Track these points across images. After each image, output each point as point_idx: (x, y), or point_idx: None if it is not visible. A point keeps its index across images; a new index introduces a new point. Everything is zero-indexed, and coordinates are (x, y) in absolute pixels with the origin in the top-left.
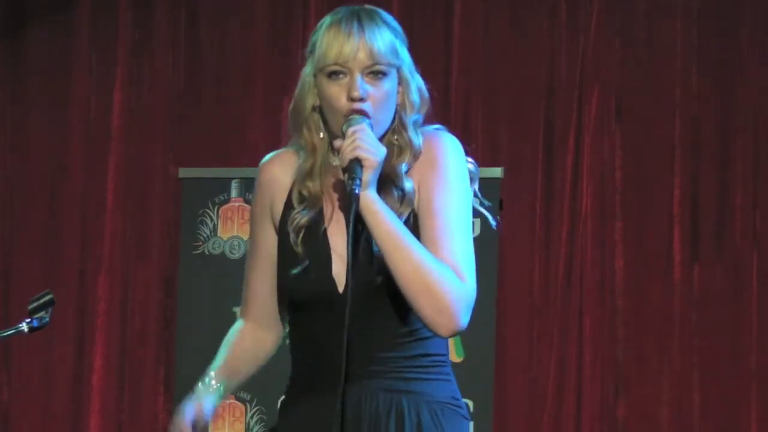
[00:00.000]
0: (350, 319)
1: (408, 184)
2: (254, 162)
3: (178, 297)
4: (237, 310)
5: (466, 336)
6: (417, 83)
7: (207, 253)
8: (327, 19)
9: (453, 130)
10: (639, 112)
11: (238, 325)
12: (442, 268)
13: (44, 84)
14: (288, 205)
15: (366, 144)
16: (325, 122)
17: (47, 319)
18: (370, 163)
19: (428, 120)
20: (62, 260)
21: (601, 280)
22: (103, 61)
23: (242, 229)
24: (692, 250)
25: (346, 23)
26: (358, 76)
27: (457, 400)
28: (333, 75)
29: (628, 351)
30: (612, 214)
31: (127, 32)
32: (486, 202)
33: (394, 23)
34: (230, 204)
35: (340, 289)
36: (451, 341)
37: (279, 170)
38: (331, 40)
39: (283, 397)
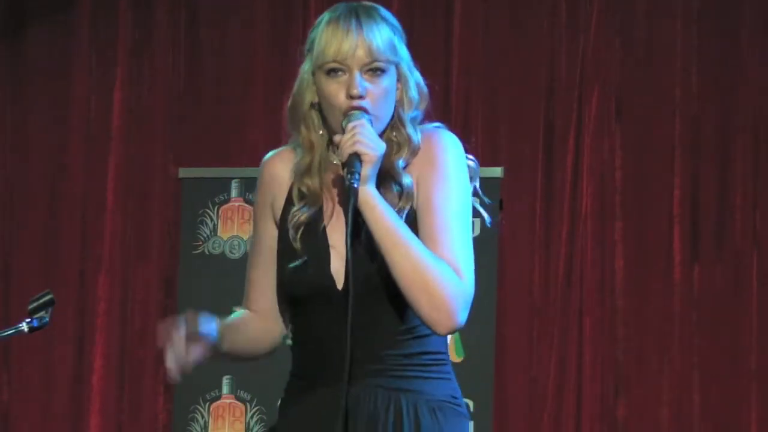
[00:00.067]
0: (351, 317)
1: (406, 181)
2: (254, 162)
3: (178, 297)
4: (237, 309)
5: (466, 336)
6: (416, 79)
7: (207, 253)
8: (325, 16)
9: (453, 130)
10: (639, 112)
11: (242, 311)
12: (441, 264)
13: (44, 84)
14: (289, 202)
15: (365, 139)
16: (324, 119)
17: (47, 319)
18: (369, 158)
19: (428, 117)
20: (62, 260)
21: (601, 280)
22: (103, 61)
23: (242, 229)
24: (692, 250)
25: (344, 20)
26: (356, 74)
27: (457, 398)
28: (332, 72)
29: (628, 351)
30: (612, 214)
31: (127, 32)
32: (486, 200)
33: (393, 19)
34: (230, 204)
35: (339, 285)
36: (451, 341)
37: (280, 168)
38: (330, 38)
39: (283, 394)
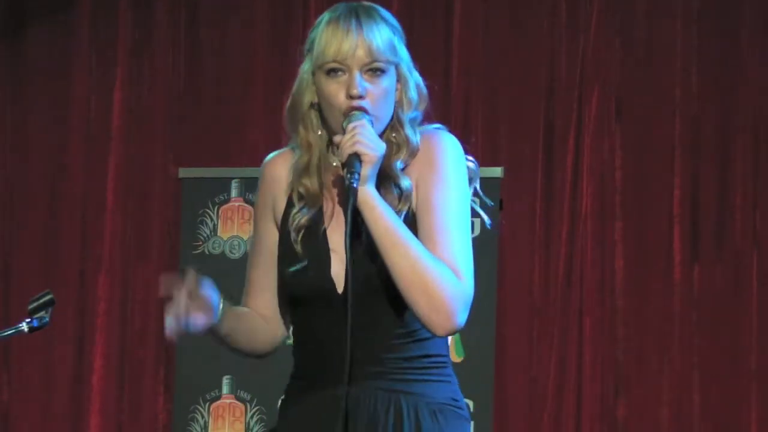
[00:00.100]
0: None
1: (405, 181)
2: (254, 162)
3: None
4: None
5: (466, 336)
6: (415, 80)
7: (207, 253)
8: (325, 16)
9: (453, 130)
10: (639, 112)
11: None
12: (440, 266)
13: (44, 84)
14: (290, 204)
15: (366, 139)
16: (323, 120)
17: (47, 319)
18: (369, 158)
19: (428, 118)
20: (62, 260)
21: (601, 280)
22: (103, 61)
23: (242, 229)
24: (692, 250)
25: (344, 20)
26: (356, 74)
27: (457, 401)
28: (331, 72)
29: (628, 351)
30: (612, 214)
31: (127, 32)
32: (488, 201)
33: (392, 20)
34: (230, 204)
35: (339, 288)
36: (451, 341)
37: (281, 169)
38: (330, 38)
39: (283, 395)
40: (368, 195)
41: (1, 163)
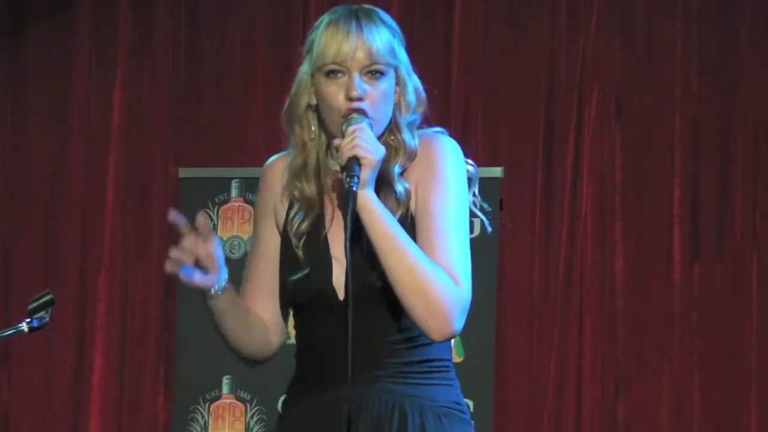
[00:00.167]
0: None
1: (404, 185)
2: (254, 162)
3: (178, 297)
4: None
5: (466, 336)
6: (414, 83)
7: None
8: (325, 18)
9: (453, 130)
10: (639, 112)
11: None
12: (438, 271)
13: (44, 84)
14: (291, 207)
15: (365, 143)
16: (322, 123)
17: (47, 319)
18: (368, 162)
19: (427, 120)
20: (62, 260)
21: (601, 280)
22: (103, 61)
23: (242, 229)
24: (692, 250)
25: (344, 22)
26: (356, 76)
27: (460, 405)
28: (331, 74)
29: (628, 351)
30: (612, 214)
31: (127, 32)
32: (486, 206)
33: (392, 22)
34: (230, 204)
35: (341, 295)
36: (452, 342)
37: (282, 171)
38: (330, 39)
39: (284, 397)
40: (367, 199)
41: (1, 163)
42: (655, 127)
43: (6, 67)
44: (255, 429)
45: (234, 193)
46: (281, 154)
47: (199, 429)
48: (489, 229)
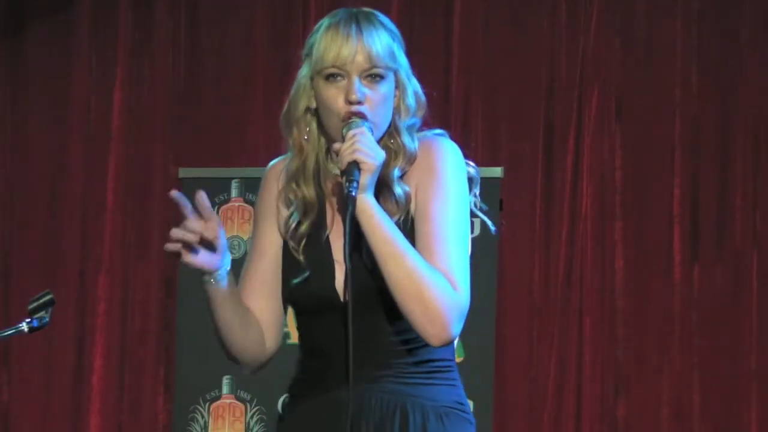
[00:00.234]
0: (353, 325)
1: (402, 189)
2: (254, 162)
3: (178, 297)
4: None
5: (466, 336)
6: (414, 87)
7: None
8: (325, 21)
9: (453, 130)
10: (639, 112)
11: None
12: (436, 276)
13: (44, 84)
14: (289, 209)
15: (365, 147)
16: (321, 126)
17: (47, 319)
18: (368, 167)
19: (428, 120)
20: (62, 260)
21: (601, 280)
22: (103, 61)
23: (242, 229)
24: (692, 250)
25: (344, 25)
26: (355, 79)
27: (462, 405)
28: (330, 77)
29: (628, 351)
30: (612, 214)
31: (127, 32)
32: (484, 206)
33: (392, 26)
34: (230, 204)
35: (342, 299)
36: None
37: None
38: (329, 43)
39: (284, 397)
40: (366, 203)
41: (1, 163)
42: (655, 127)
43: (6, 67)
44: (255, 429)
45: (234, 193)
46: (282, 157)
47: (199, 429)
48: (492, 229)
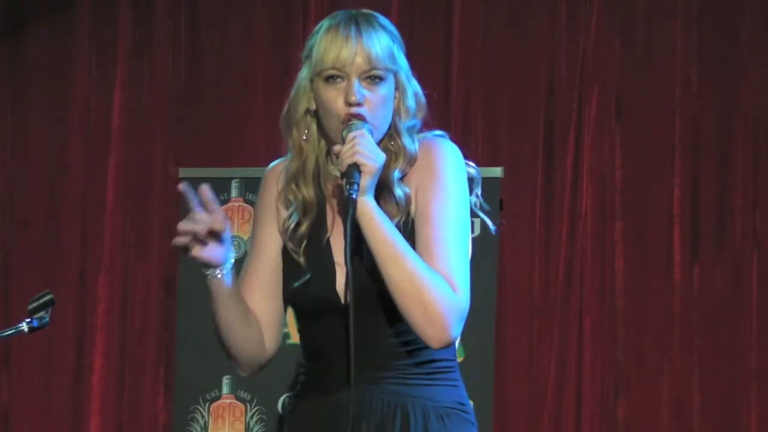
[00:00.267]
0: (354, 327)
1: (403, 191)
2: (254, 162)
3: (178, 297)
4: None
5: (466, 336)
6: (414, 89)
7: None
8: (324, 23)
9: (453, 131)
10: (639, 112)
11: None
12: (436, 278)
13: (44, 84)
14: (288, 210)
15: (365, 149)
16: (321, 128)
17: (47, 319)
18: (368, 169)
19: (428, 121)
20: (62, 260)
21: (601, 280)
22: (103, 61)
23: (242, 229)
24: (692, 250)
25: (344, 27)
26: (355, 81)
27: (464, 405)
28: (330, 79)
29: (628, 351)
30: (612, 214)
31: (127, 32)
32: (485, 206)
33: (392, 28)
34: (230, 204)
35: (343, 301)
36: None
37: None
38: (329, 44)
39: (285, 397)
40: (367, 206)
41: (1, 163)
42: (655, 127)
43: (6, 67)
44: (255, 429)
45: (234, 193)
46: (282, 159)
47: (199, 429)
48: (493, 229)
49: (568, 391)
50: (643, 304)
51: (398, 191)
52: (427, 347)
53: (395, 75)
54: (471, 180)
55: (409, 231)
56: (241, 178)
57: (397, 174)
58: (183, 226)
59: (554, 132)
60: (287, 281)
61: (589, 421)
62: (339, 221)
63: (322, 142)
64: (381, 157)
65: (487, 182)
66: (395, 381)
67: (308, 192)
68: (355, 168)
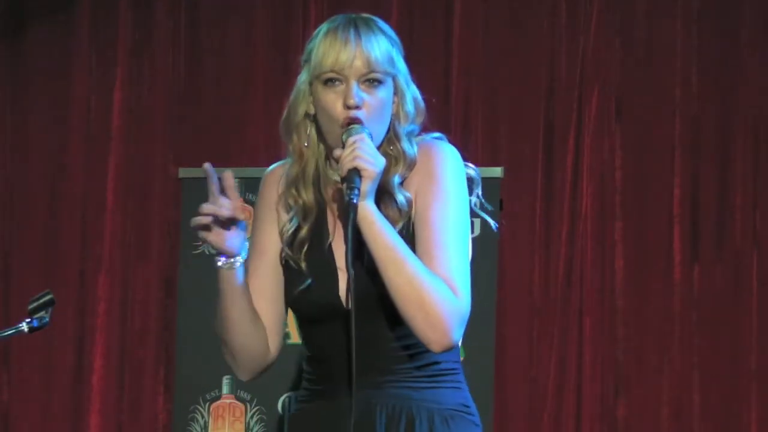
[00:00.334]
0: (356, 332)
1: (404, 195)
2: (254, 162)
3: (178, 297)
4: None
5: (466, 336)
6: (412, 93)
7: (207, 253)
8: (323, 27)
9: (453, 131)
10: (639, 112)
11: None
12: (437, 282)
13: (44, 84)
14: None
15: (366, 154)
16: (321, 132)
17: (47, 319)
18: (368, 174)
19: (428, 123)
20: (62, 260)
21: (601, 280)
22: (103, 61)
23: None
24: (692, 250)
25: (343, 31)
26: (353, 84)
27: (468, 407)
28: (329, 82)
29: (628, 351)
30: (612, 214)
31: (127, 32)
32: (487, 206)
33: (391, 32)
34: None
35: (346, 305)
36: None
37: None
38: (328, 48)
39: (285, 397)
40: (367, 211)
41: (1, 163)
42: (655, 127)
43: (6, 67)
44: (255, 429)
45: None
46: (281, 162)
47: (199, 429)
48: (494, 228)
49: (568, 391)
50: (643, 304)
51: (399, 197)
52: (429, 350)
53: (394, 79)
54: (471, 180)
55: (410, 235)
56: (241, 178)
57: (397, 179)
58: (206, 207)
59: (554, 132)
60: (289, 286)
61: (589, 421)
62: (340, 226)
63: (322, 146)
64: (381, 161)
65: (487, 182)
66: (399, 385)
67: (308, 197)
68: (355, 173)
